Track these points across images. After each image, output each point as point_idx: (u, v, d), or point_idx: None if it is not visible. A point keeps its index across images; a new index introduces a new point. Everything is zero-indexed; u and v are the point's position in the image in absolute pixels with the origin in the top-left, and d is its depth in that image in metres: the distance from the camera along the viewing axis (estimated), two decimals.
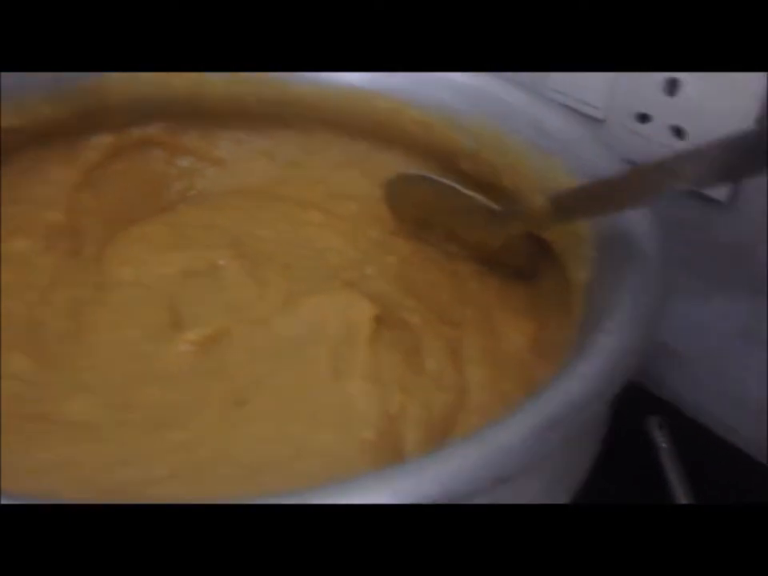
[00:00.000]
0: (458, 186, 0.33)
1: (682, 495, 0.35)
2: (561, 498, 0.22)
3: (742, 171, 0.22)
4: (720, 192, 0.35)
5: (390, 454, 0.25)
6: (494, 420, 0.19)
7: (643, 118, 0.37)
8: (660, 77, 0.36)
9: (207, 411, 0.26)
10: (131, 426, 0.25)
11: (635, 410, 0.22)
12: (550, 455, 0.19)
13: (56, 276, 0.31)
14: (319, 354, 0.28)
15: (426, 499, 0.17)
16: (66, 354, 0.28)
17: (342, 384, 0.27)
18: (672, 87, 0.36)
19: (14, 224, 0.32)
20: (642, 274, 0.24)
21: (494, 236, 0.32)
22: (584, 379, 0.20)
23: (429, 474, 0.18)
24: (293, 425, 0.26)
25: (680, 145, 0.36)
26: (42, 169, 0.33)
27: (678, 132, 0.36)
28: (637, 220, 0.27)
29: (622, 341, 0.21)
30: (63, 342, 0.28)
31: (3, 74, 0.30)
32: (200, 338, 0.29)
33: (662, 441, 0.37)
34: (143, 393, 0.27)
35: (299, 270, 0.33)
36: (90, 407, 0.26)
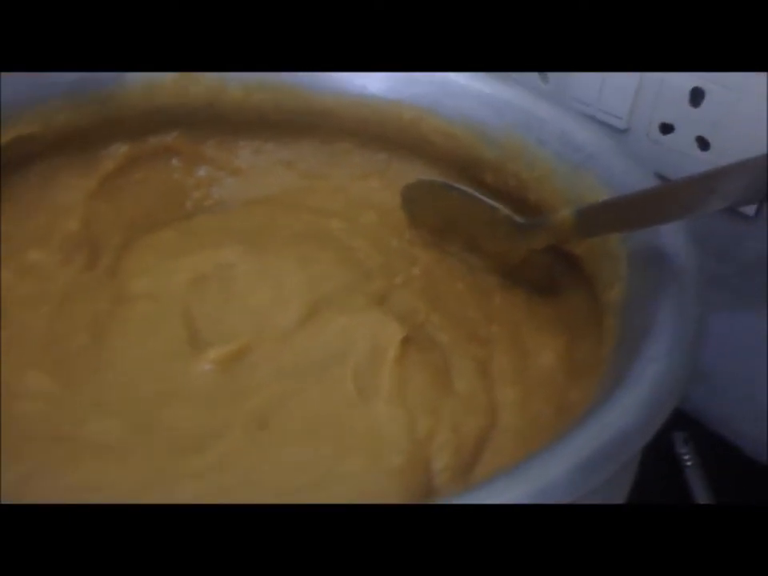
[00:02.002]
0: (479, 195, 0.32)
1: None
2: None
3: None
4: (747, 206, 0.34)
5: (418, 480, 0.25)
6: (539, 452, 0.18)
7: (666, 128, 0.37)
8: (685, 87, 0.35)
9: (230, 434, 0.25)
10: (154, 449, 0.24)
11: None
12: (598, 489, 0.18)
13: (73, 289, 0.30)
14: (344, 374, 0.27)
15: None
16: (86, 372, 0.27)
17: (369, 407, 0.26)
18: (697, 97, 0.35)
19: (31, 234, 0.31)
20: (681, 296, 0.23)
21: (515, 249, 0.32)
22: (633, 410, 0.19)
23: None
24: (319, 449, 0.25)
25: (704, 156, 0.36)
26: (59, 177, 0.32)
27: (703, 143, 0.36)
28: (671, 237, 0.26)
29: (669, 368, 0.20)
30: (82, 359, 0.27)
31: (21, 81, 0.29)
32: (221, 357, 0.28)
33: (687, 456, 0.36)
34: (165, 414, 0.26)
35: (317, 266, 0.32)
36: (112, 428, 0.25)
